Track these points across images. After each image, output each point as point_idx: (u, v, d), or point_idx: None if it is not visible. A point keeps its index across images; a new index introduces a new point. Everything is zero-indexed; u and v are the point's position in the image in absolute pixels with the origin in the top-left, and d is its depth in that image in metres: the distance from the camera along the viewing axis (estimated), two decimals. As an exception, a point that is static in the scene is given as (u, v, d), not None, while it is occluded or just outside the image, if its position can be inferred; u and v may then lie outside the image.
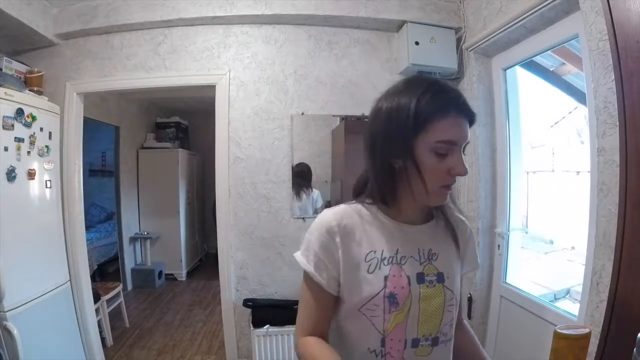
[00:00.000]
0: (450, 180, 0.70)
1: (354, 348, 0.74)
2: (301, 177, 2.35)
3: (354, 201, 0.80)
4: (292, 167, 2.32)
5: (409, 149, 0.69)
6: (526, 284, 2.06)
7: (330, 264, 0.73)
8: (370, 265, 0.73)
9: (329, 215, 0.76)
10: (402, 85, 0.74)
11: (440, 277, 0.75)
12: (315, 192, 2.38)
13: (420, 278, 0.73)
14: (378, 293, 0.71)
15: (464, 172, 0.69)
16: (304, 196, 2.35)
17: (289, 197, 2.33)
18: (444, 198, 0.73)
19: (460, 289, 0.82)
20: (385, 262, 0.73)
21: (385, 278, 0.71)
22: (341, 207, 0.78)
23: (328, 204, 2.38)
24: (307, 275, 0.76)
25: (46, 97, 2.15)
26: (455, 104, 0.69)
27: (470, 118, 0.71)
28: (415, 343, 0.72)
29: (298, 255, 0.77)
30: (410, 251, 0.75)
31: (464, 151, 0.72)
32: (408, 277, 0.72)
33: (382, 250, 0.74)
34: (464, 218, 0.87)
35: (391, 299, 0.70)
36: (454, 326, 0.78)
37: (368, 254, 0.73)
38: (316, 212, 2.37)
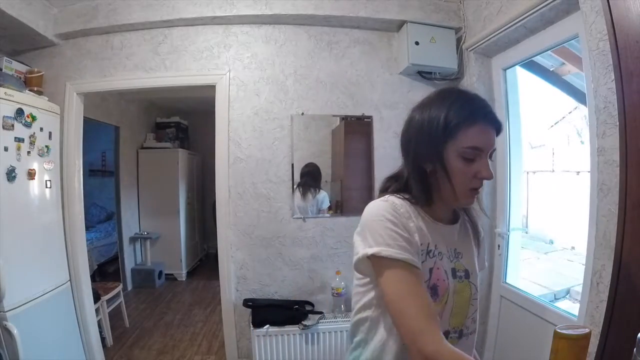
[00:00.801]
0: (477, 184, 0.76)
1: (391, 340, 0.75)
2: (311, 177, 2.34)
3: (400, 195, 0.80)
4: (293, 167, 2.32)
5: (439, 154, 0.75)
6: (526, 284, 2.06)
7: (413, 240, 0.73)
8: (421, 255, 0.75)
9: (391, 203, 0.76)
10: (434, 96, 0.81)
11: (467, 274, 0.82)
12: (322, 193, 2.37)
13: (454, 273, 0.79)
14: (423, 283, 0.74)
15: (489, 176, 0.75)
16: (309, 196, 2.35)
17: (289, 197, 2.33)
18: (472, 200, 0.79)
19: None
20: (431, 254, 0.77)
21: (430, 270, 0.76)
22: (390, 197, 0.78)
23: (335, 204, 2.39)
24: (400, 266, 0.69)
25: (46, 97, 2.15)
26: (482, 113, 0.75)
27: (497, 127, 0.77)
28: (446, 335, 0.76)
29: (386, 251, 0.69)
30: (444, 248, 0.80)
31: (491, 157, 0.78)
32: (445, 272, 0.77)
33: (428, 243, 0.77)
34: (479, 222, 0.93)
35: (433, 290, 0.75)
36: (477, 321, 0.83)
37: (420, 245, 0.75)
38: (320, 212, 2.37)
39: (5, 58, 2.06)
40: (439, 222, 0.81)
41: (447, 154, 0.75)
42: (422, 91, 2.10)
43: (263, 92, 2.31)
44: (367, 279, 0.79)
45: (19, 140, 1.86)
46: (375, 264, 0.72)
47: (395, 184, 0.83)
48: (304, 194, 2.34)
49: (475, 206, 0.86)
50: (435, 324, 0.65)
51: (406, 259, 0.69)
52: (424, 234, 0.76)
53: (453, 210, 0.86)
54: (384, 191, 0.84)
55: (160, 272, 4.40)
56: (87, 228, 2.82)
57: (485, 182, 0.79)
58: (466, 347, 0.80)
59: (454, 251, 0.81)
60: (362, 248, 0.73)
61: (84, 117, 2.41)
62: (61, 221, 2.22)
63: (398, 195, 0.80)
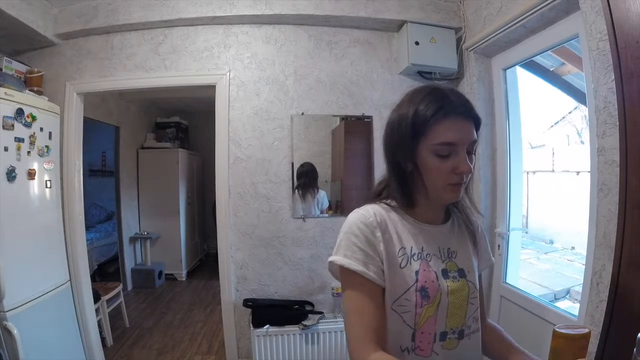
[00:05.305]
0: (456, 179, 0.73)
1: (387, 349, 0.73)
2: (307, 177, 2.33)
3: (379, 202, 0.82)
4: (293, 167, 2.31)
5: (412, 154, 0.74)
6: (526, 284, 2.06)
7: (376, 256, 0.74)
8: (402, 260, 0.75)
9: (364, 212, 0.78)
10: (407, 95, 0.79)
11: (462, 273, 0.79)
12: (321, 193, 2.36)
13: (445, 274, 0.77)
14: (410, 287, 0.74)
15: (466, 170, 0.72)
16: (309, 197, 2.34)
17: (289, 197, 2.33)
18: (456, 195, 0.75)
19: (481, 287, 0.86)
20: (415, 257, 0.76)
21: (416, 273, 0.75)
22: (370, 206, 0.80)
23: (335, 204, 2.38)
24: (354, 278, 0.73)
25: (46, 97, 2.15)
26: (452, 108, 0.71)
27: (474, 119, 0.74)
28: (443, 336, 0.75)
29: (340, 260, 0.74)
30: (433, 249, 0.78)
31: (474, 151, 0.75)
32: (435, 273, 0.76)
33: (411, 247, 0.77)
34: (475, 217, 0.89)
35: (423, 293, 0.73)
36: (479, 320, 0.81)
37: (400, 249, 0.76)
38: (322, 212, 2.36)
39: (5, 58, 2.06)
40: (427, 223, 0.80)
41: (419, 151, 0.73)
42: (422, 91, 2.11)
43: (263, 92, 2.31)
44: None
45: (19, 140, 1.86)
46: (340, 273, 0.76)
47: (387, 189, 0.84)
48: (303, 196, 2.33)
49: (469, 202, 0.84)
50: (371, 337, 0.69)
51: (360, 272, 0.72)
52: (405, 239, 0.77)
53: (445, 209, 0.84)
54: (377, 195, 0.85)
55: (160, 272, 4.40)
56: (87, 228, 2.82)
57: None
58: (470, 347, 0.78)
59: (447, 251, 0.79)
60: (332, 255, 0.78)
61: (84, 117, 2.41)
62: (61, 221, 2.22)
63: (385, 202, 0.81)
